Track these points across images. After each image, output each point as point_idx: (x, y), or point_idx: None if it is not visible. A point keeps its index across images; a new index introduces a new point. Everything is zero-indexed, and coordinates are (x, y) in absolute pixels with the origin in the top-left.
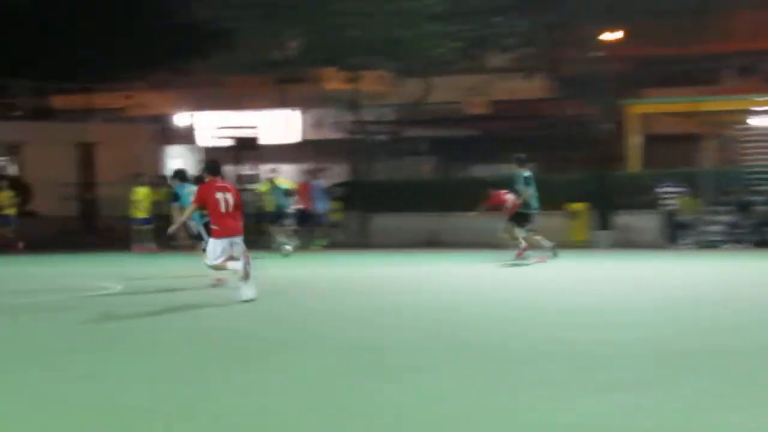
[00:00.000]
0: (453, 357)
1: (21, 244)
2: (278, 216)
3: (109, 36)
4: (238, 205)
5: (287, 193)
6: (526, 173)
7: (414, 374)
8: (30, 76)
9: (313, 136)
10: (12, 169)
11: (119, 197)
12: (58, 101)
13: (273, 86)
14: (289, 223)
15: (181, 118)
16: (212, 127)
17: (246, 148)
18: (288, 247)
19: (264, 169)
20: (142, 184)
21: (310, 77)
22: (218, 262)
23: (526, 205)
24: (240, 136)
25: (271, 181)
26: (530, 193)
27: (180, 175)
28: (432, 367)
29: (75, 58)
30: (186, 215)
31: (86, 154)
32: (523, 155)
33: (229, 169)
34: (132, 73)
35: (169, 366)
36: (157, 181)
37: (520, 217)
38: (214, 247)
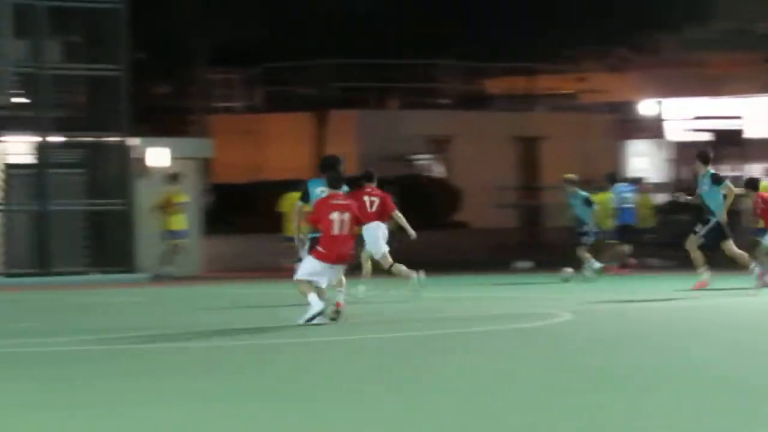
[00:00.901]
0: None
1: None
2: (578, 232)
3: (554, 6)
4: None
5: (587, 202)
6: (713, 172)
7: None
8: (459, 55)
9: None
10: (437, 170)
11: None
12: (493, 86)
13: (763, 66)
14: (586, 241)
15: (645, 107)
16: (685, 117)
17: (727, 144)
18: (586, 271)
19: (757, 171)
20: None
21: None
22: (307, 278)
23: (713, 214)
24: (720, 128)
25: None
26: (720, 199)
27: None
28: None
29: (512, 33)
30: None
31: (528, 151)
32: (707, 150)
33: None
34: (584, 52)
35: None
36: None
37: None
38: (314, 266)
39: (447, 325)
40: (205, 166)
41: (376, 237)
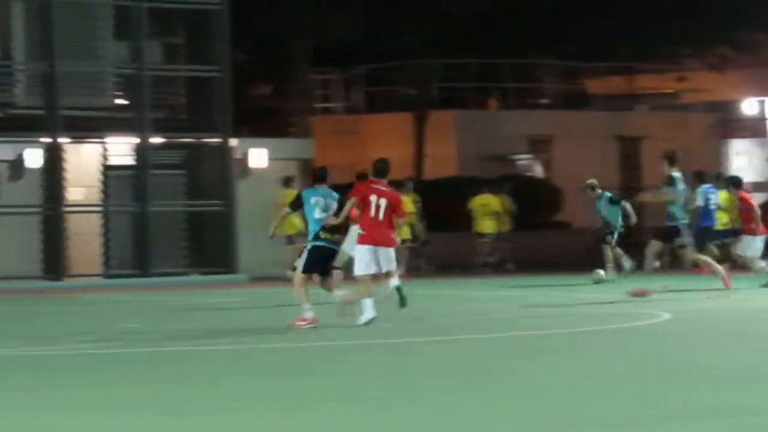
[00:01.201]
0: None
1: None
2: (605, 232)
3: (654, 4)
4: (393, 212)
5: (612, 200)
6: (674, 174)
7: None
8: (558, 55)
9: None
10: (538, 170)
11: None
12: (593, 85)
13: None
14: (611, 241)
15: (747, 106)
16: None
17: None
18: (600, 272)
19: None
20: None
21: None
22: (366, 272)
23: (670, 216)
24: None
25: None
26: (675, 199)
27: None
28: None
29: (612, 31)
30: (344, 214)
31: (628, 150)
32: (672, 151)
33: None
34: (684, 50)
35: None
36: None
37: (665, 232)
38: (361, 254)
39: (549, 325)
40: (306, 167)
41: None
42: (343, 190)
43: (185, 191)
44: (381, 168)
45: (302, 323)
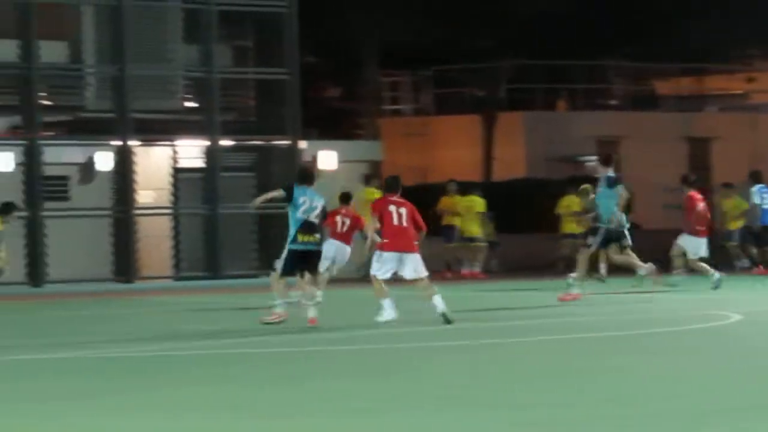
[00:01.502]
0: None
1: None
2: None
3: (723, 5)
4: (413, 220)
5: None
6: (609, 174)
7: None
8: (627, 56)
9: None
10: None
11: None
12: (662, 86)
13: None
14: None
15: None
16: None
17: None
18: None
19: None
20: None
21: None
22: (380, 275)
23: (596, 217)
24: None
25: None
26: (612, 204)
27: None
28: None
29: (682, 32)
30: (371, 231)
31: (698, 151)
32: (607, 153)
33: None
34: (754, 51)
35: None
36: None
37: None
38: (384, 260)
39: (622, 326)
40: (375, 168)
41: (330, 253)
42: (414, 192)
43: (255, 193)
44: (392, 184)
45: (274, 318)
